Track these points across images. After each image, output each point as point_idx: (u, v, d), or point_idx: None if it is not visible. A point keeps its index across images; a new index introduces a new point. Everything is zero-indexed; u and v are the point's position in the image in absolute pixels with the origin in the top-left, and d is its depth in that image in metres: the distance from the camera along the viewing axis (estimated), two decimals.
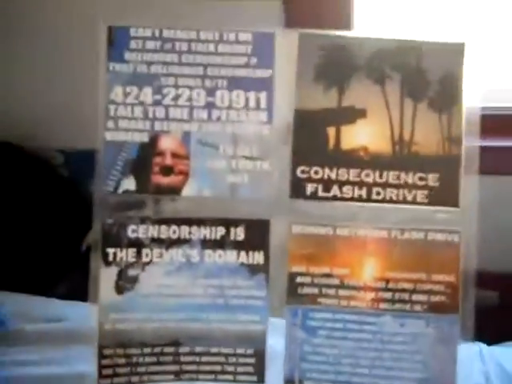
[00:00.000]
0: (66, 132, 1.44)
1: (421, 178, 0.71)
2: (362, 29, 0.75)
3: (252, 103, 0.73)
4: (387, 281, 0.71)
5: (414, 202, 0.71)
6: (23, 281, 1.24)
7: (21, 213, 1.34)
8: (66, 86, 1.43)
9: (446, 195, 0.71)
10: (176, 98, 0.73)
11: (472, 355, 1.00)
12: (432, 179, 0.71)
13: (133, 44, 0.72)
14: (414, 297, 0.71)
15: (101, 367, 0.72)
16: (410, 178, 0.71)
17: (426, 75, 0.72)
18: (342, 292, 0.72)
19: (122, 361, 0.73)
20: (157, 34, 0.73)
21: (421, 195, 0.71)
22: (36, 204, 1.37)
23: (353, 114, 0.72)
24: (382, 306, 0.71)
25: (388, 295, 0.71)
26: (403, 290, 0.71)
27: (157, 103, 0.73)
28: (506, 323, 1.09)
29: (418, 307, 0.71)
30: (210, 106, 0.73)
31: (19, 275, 1.26)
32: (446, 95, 0.71)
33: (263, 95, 0.73)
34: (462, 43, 0.71)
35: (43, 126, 1.45)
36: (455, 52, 0.71)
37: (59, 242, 1.34)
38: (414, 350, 0.71)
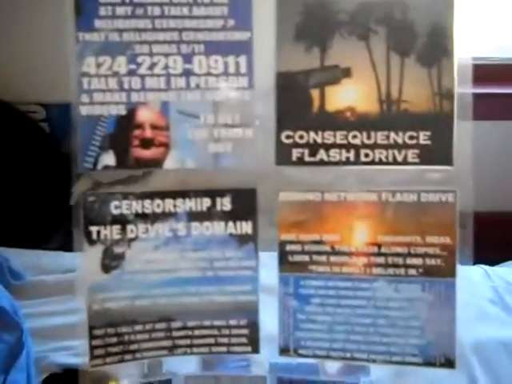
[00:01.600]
0: (43, 84, 1.38)
1: (411, 137, 0.65)
2: None
3: (231, 68, 0.67)
4: (379, 245, 0.66)
5: (404, 163, 0.65)
6: (18, 236, 1.23)
7: (10, 170, 1.34)
8: (42, 40, 1.35)
9: (438, 154, 0.65)
10: (151, 66, 0.66)
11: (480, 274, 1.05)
12: (423, 137, 0.65)
13: (102, 11, 0.65)
14: (409, 261, 0.66)
15: (92, 348, 0.68)
16: (400, 138, 0.65)
17: (413, 28, 0.65)
18: (333, 258, 0.67)
19: (114, 340, 0.69)
20: None
21: (412, 155, 0.65)
22: (23, 161, 1.36)
23: (337, 74, 0.66)
24: (375, 271, 0.66)
25: (381, 260, 0.66)
26: (397, 254, 0.66)
27: (132, 73, 0.66)
28: None
29: (412, 271, 0.66)
30: (187, 73, 0.66)
31: (14, 231, 1.25)
32: (435, 48, 0.64)
33: (242, 59, 0.66)
34: None
35: (20, 79, 1.39)
36: (444, 2, 0.64)
37: (49, 196, 1.32)
38: (410, 315, 0.66)
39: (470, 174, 0.65)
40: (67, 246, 1.04)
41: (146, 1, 0.66)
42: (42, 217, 1.34)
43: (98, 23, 0.65)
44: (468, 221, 0.65)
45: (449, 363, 0.65)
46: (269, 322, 0.70)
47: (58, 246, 1.16)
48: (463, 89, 0.65)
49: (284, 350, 0.69)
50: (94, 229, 0.67)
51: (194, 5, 0.66)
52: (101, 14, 0.65)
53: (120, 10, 0.65)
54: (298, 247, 0.68)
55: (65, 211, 1.25)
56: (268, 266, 0.70)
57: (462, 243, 0.65)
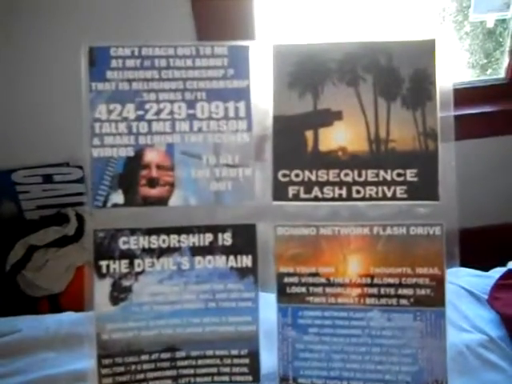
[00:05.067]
0: None
1: (399, 174, 0.64)
2: (331, 35, 0.68)
3: (231, 113, 0.67)
4: (372, 277, 0.65)
5: (393, 198, 0.64)
6: None
7: None
8: None
9: (425, 189, 0.64)
10: (158, 112, 0.67)
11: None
12: (410, 175, 0.64)
13: (113, 63, 0.67)
14: (400, 291, 0.64)
15: (101, 377, 0.66)
16: (389, 175, 0.64)
17: (397, 74, 0.65)
18: (328, 290, 0.66)
19: (121, 369, 0.67)
20: (136, 52, 0.67)
21: (400, 191, 0.64)
22: None
23: (329, 117, 0.66)
24: (369, 301, 0.65)
25: (374, 291, 0.65)
26: (389, 285, 0.64)
27: (140, 118, 0.67)
28: None
29: (404, 301, 0.64)
30: (191, 117, 0.67)
31: None
32: (418, 92, 0.64)
33: (241, 105, 0.67)
34: (433, 40, 0.64)
35: None
36: (426, 49, 0.65)
37: None
38: (402, 343, 0.64)
39: (455, 206, 0.64)
40: (5, 311, 1.02)
41: (153, 54, 0.67)
42: None
43: (109, 74, 0.66)
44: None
45: None
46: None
47: None
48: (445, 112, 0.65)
49: (283, 379, 0.67)
50: (103, 263, 0.66)
51: (197, 57, 0.67)
52: (112, 65, 0.66)
53: (130, 62, 0.67)
54: (295, 279, 0.66)
55: (2, 277, 1.23)
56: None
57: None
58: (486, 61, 1.50)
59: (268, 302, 0.68)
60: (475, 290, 0.94)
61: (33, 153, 1.39)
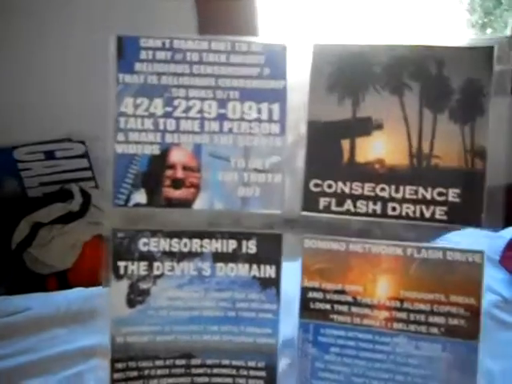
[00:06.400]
0: None
1: (440, 194, 0.58)
2: (377, 36, 0.61)
3: (264, 115, 0.61)
4: (402, 300, 0.59)
5: (432, 219, 0.58)
6: None
7: None
8: None
9: (467, 212, 0.58)
10: (187, 109, 0.62)
11: None
12: (452, 195, 0.58)
13: (143, 54, 0.61)
14: (431, 319, 0.59)
15: (113, 381, 0.63)
16: (429, 193, 0.58)
17: (447, 83, 0.58)
18: (354, 309, 0.61)
19: (135, 374, 0.64)
20: (167, 44, 0.61)
21: (440, 212, 0.58)
22: None
23: (368, 126, 0.60)
24: (397, 326, 0.60)
25: (403, 315, 0.59)
26: (419, 311, 0.59)
27: (167, 115, 0.62)
28: None
29: (434, 330, 0.59)
30: (221, 117, 0.62)
31: None
32: (469, 105, 0.57)
33: (276, 107, 0.61)
34: (491, 47, 0.57)
35: None
36: (481, 57, 0.58)
37: None
38: (428, 374, 0.59)
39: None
40: (15, 290, 0.99)
41: (185, 47, 0.61)
42: None
43: (138, 66, 0.61)
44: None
45: None
46: None
47: (5, 292, 1.07)
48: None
49: None
50: (121, 264, 0.63)
51: (232, 52, 0.61)
52: (141, 57, 0.61)
53: (160, 55, 0.61)
54: (319, 295, 0.61)
55: (9, 256, 1.21)
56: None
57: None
58: (486, 20, 1.42)
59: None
60: (486, 250, 0.89)
61: (34, 129, 1.35)
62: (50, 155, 1.35)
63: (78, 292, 0.91)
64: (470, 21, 1.43)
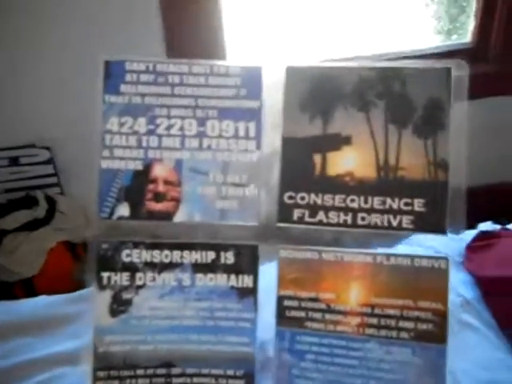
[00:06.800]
0: None
1: (406, 204, 0.61)
2: (345, 57, 0.66)
3: (241, 132, 0.65)
4: (373, 306, 0.61)
5: (399, 228, 0.61)
6: None
7: None
8: None
9: (432, 221, 0.60)
10: (168, 127, 0.65)
11: None
12: (418, 204, 0.61)
13: (128, 77, 0.65)
14: (401, 323, 0.61)
15: None
16: (396, 204, 0.61)
17: (410, 101, 0.62)
18: (328, 316, 0.62)
19: (116, 383, 0.65)
20: (150, 67, 0.66)
21: (406, 221, 0.61)
22: None
23: (338, 141, 0.63)
24: (368, 331, 0.61)
25: (374, 321, 0.61)
26: (389, 316, 0.61)
27: (150, 133, 0.65)
28: None
29: (404, 334, 0.60)
30: (201, 135, 0.65)
31: None
32: (431, 121, 0.61)
33: (252, 125, 0.65)
34: (448, 68, 0.61)
35: None
36: (440, 77, 0.62)
37: None
38: (400, 378, 0.60)
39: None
40: None
41: (167, 70, 0.65)
42: None
43: (123, 87, 0.65)
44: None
45: None
46: None
47: None
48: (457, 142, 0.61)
49: None
50: (105, 275, 0.65)
51: (210, 75, 0.66)
52: (127, 79, 0.65)
53: (144, 77, 0.65)
54: (295, 303, 0.63)
55: None
56: None
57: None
58: (451, 26, 1.47)
59: None
60: (450, 252, 0.91)
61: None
62: (14, 161, 1.32)
63: (41, 300, 0.90)
64: (437, 28, 1.49)
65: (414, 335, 0.60)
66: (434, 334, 0.59)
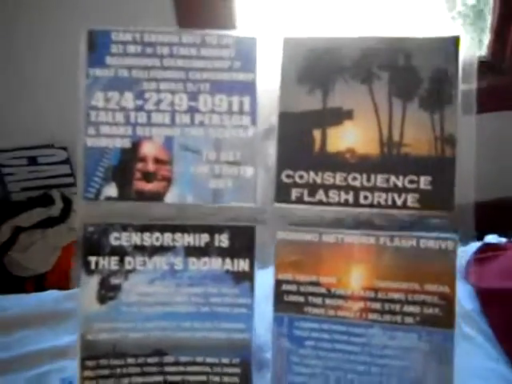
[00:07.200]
0: None
1: (411, 181, 0.57)
2: (346, 29, 0.61)
3: (235, 107, 0.61)
4: (376, 290, 0.58)
5: (404, 207, 0.57)
6: None
7: None
8: None
9: (439, 199, 0.57)
10: (158, 102, 0.61)
11: None
12: (424, 182, 0.57)
13: (114, 48, 0.61)
14: (406, 308, 0.57)
15: (83, 379, 0.60)
16: (400, 181, 0.57)
17: (415, 73, 0.58)
18: (328, 301, 0.59)
19: (106, 372, 0.61)
20: (138, 38, 0.61)
21: (411, 199, 0.57)
22: None
23: (339, 116, 0.59)
24: (371, 316, 0.58)
25: (377, 306, 0.58)
26: (393, 301, 0.57)
27: (138, 108, 0.61)
28: None
29: (409, 319, 0.57)
30: (192, 110, 0.61)
31: None
32: (438, 94, 0.57)
33: (246, 99, 0.61)
34: (456, 37, 0.57)
35: None
36: (448, 47, 0.57)
37: None
38: (405, 365, 0.57)
39: (472, 218, 0.57)
40: None
41: (156, 40, 0.61)
42: None
43: (109, 60, 0.60)
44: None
45: None
46: None
47: None
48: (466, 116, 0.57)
49: None
50: (92, 259, 0.61)
51: (202, 46, 0.61)
52: (112, 51, 0.61)
53: (131, 48, 0.61)
54: (293, 287, 0.60)
55: None
56: None
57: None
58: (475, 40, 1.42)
59: None
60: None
61: (18, 134, 1.35)
62: (32, 161, 1.35)
63: (50, 294, 0.90)
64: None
65: (419, 320, 0.56)
66: (441, 319, 0.56)
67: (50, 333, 0.81)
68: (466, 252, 0.91)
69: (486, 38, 1.38)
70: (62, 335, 0.79)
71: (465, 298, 0.83)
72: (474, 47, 0.59)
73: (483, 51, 1.41)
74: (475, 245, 0.93)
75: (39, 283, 1.21)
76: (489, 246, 0.92)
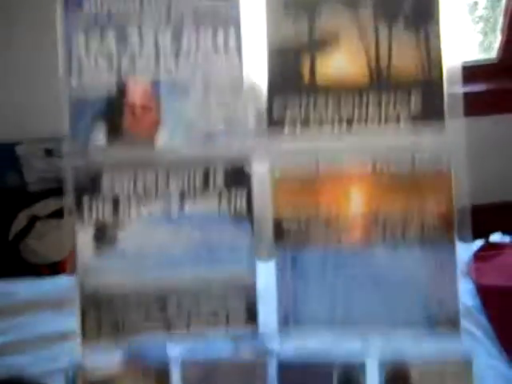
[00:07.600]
0: None
1: (402, 103, 0.56)
2: None
3: (220, 41, 0.59)
4: (376, 213, 0.57)
5: (397, 128, 0.56)
6: None
7: None
8: None
9: (430, 118, 0.56)
10: (141, 44, 0.59)
11: None
12: (415, 102, 0.56)
13: None
14: (407, 228, 0.56)
15: (85, 330, 0.59)
16: (391, 104, 0.56)
17: None
18: (330, 231, 0.58)
19: (107, 322, 0.59)
20: None
21: (404, 120, 0.56)
22: None
23: (326, 41, 0.58)
24: (374, 240, 0.57)
25: (379, 229, 0.57)
26: (394, 222, 0.56)
27: (121, 53, 0.59)
28: None
29: (411, 238, 0.56)
30: (177, 49, 0.59)
31: None
32: (421, 10, 0.56)
33: (231, 32, 0.59)
34: None
35: None
36: None
37: None
38: (411, 282, 0.56)
39: (464, 143, 0.57)
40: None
41: None
42: None
43: (86, 2, 0.58)
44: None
45: (453, 325, 0.56)
46: None
47: None
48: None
49: (283, 323, 0.59)
50: (85, 210, 0.59)
51: None
52: None
53: None
54: (294, 221, 0.59)
55: (6, 246, 1.23)
56: None
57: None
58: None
59: None
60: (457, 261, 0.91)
61: (35, 127, 1.33)
62: (49, 153, 1.36)
63: (65, 279, 0.89)
64: (483, 44, 1.41)
65: (421, 238, 0.56)
66: (442, 235, 0.56)
67: (60, 316, 0.81)
68: (470, 250, 0.92)
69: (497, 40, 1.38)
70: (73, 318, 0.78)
71: (466, 294, 0.83)
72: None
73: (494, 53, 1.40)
74: (479, 243, 0.94)
75: (54, 270, 1.20)
76: (491, 245, 0.93)
